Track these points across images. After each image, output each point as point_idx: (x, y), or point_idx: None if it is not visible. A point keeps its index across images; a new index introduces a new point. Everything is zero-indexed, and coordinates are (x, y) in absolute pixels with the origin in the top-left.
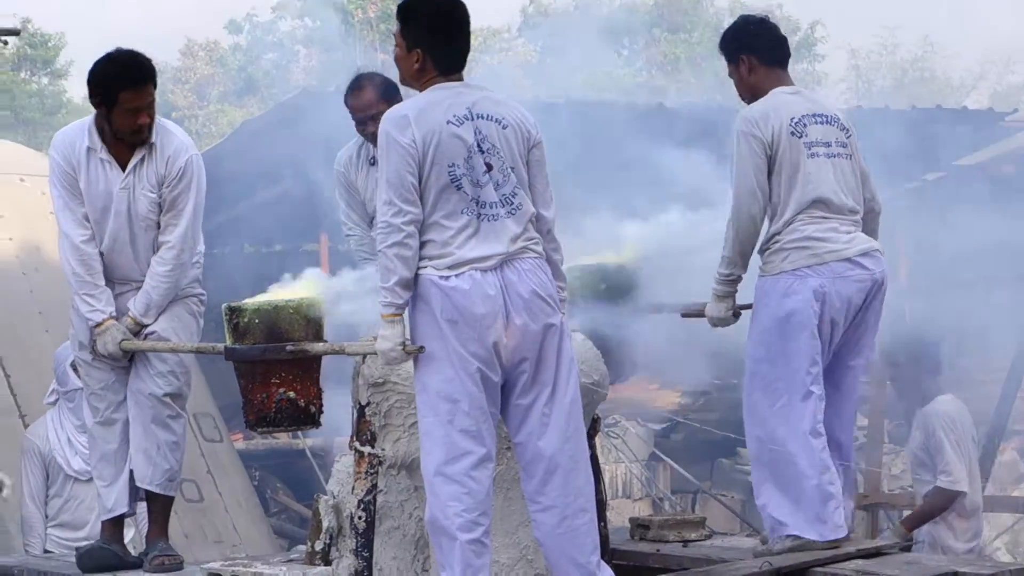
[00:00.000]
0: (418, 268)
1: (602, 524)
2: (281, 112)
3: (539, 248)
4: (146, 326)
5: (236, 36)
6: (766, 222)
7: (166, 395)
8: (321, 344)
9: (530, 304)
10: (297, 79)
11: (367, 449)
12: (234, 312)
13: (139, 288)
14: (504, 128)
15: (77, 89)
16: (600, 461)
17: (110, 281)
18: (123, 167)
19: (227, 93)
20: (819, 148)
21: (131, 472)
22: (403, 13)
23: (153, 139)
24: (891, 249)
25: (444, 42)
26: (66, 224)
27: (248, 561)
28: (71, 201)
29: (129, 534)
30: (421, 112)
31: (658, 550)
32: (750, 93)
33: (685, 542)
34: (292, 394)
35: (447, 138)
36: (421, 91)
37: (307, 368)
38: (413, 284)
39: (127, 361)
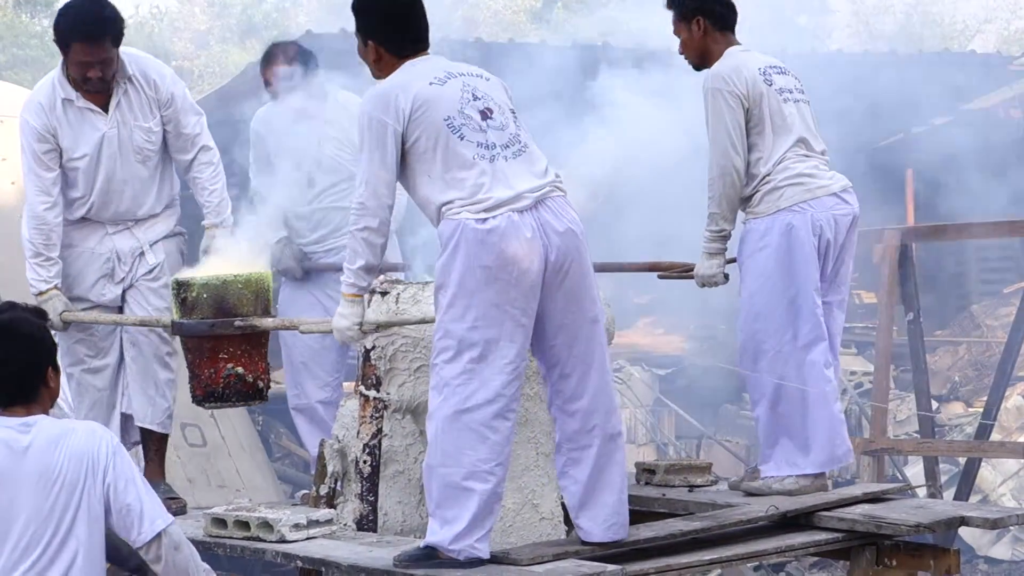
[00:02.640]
0: (451, 214)
1: None
2: None
3: (563, 186)
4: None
5: None
6: (755, 168)
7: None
8: (271, 319)
9: (567, 241)
10: (300, 21)
11: (372, 393)
12: (182, 286)
13: (136, 224)
14: (488, 80)
15: None
16: None
17: (102, 223)
18: (104, 108)
19: (229, 36)
20: (787, 94)
21: (121, 416)
22: (353, 10)
23: (130, 71)
24: (901, 192)
25: (396, 29)
26: (30, 191)
27: (252, 505)
28: (37, 167)
29: None
30: (399, 86)
31: (664, 495)
32: (698, 54)
33: (691, 487)
34: (240, 369)
35: (433, 98)
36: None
37: (255, 343)
38: (376, 270)
39: (119, 305)
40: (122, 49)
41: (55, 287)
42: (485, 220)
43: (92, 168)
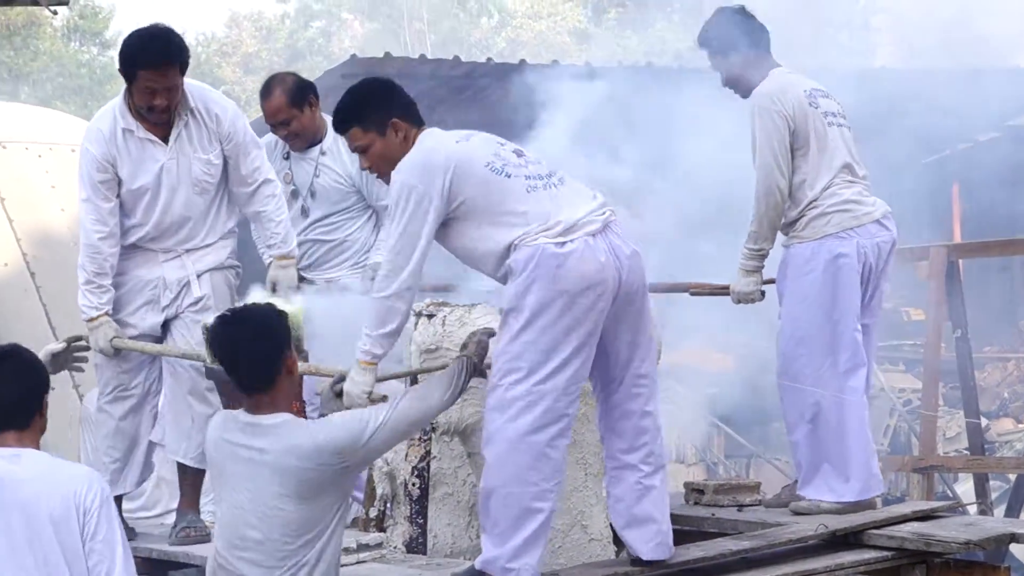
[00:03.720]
0: (527, 242)
1: None
2: (329, 80)
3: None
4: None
5: (284, 4)
6: (800, 191)
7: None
8: (301, 365)
9: (635, 263)
10: (345, 46)
11: None
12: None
13: (187, 253)
14: (502, 145)
15: None
16: None
17: (154, 251)
18: (164, 140)
19: (275, 63)
20: (831, 118)
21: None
22: (355, 111)
23: (192, 104)
24: (947, 209)
25: (408, 102)
26: (87, 220)
27: None
28: (95, 196)
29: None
30: (432, 150)
31: (713, 514)
32: (740, 83)
33: (740, 506)
34: None
35: (466, 152)
36: None
37: None
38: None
39: (158, 334)
40: (186, 81)
41: (106, 313)
42: (563, 244)
43: (150, 198)
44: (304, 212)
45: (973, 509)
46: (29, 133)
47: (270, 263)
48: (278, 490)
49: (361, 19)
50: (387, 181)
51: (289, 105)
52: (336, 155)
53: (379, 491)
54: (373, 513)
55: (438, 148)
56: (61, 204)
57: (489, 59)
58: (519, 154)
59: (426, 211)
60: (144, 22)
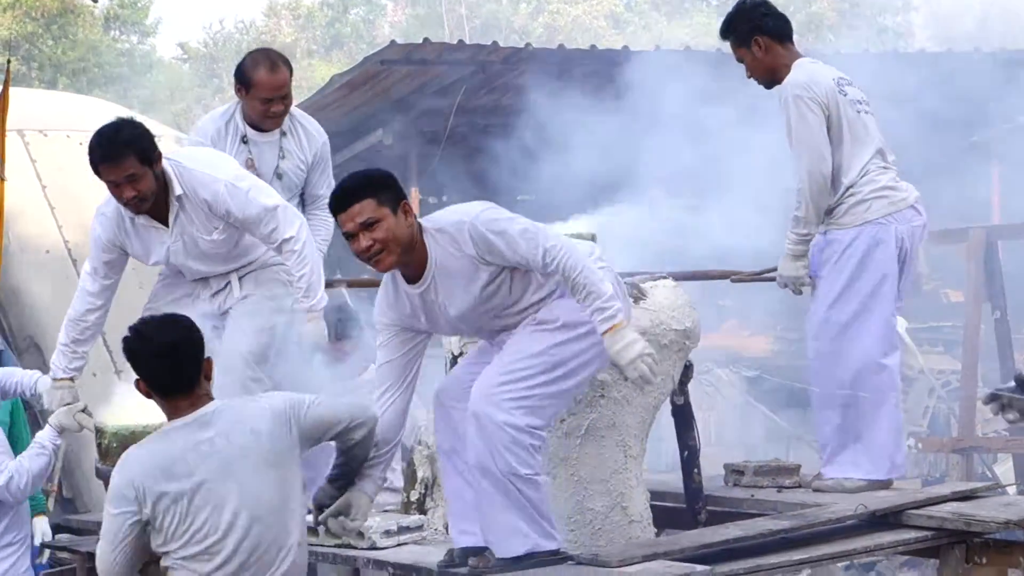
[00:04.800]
0: None
1: (695, 471)
2: (369, 66)
3: None
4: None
5: None
6: (836, 178)
7: (251, 352)
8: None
9: None
10: (385, 33)
11: None
12: (99, 432)
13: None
14: None
15: (165, 48)
16: (693, 408)
17: (182, 285)
18: (165, 222)
19: (314, 51)
20: (859, 105)
21: None
22: (374, 187)
23: (179, 191)
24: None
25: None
26: (85, 288)
27: None
28: (97, 272)
29: None
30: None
31: (753, 496)
32: (767, 72)
33: (780, 488)
34: None
35: None
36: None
37: None
38: None
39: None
40: (176, 159)
41: (70, 379)
42: None
43: (170, 265)
44: None
45: (1012, 490)
46: (70, 121)
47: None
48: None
49: (401, 5)
50: (384, 260)
51: (290, 81)
52: (295, 137)
53: (420, 474)
54: (414, 496)
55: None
56: (102, 191)
57: (528, 44)
58: None
59: None
60: (183, 10)
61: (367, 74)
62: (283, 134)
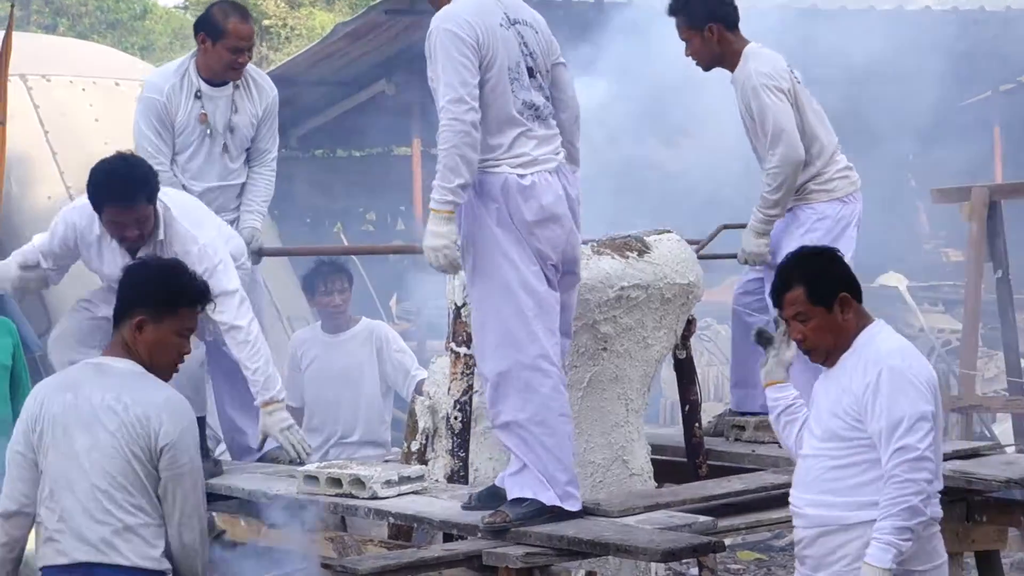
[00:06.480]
0: (489, 167)
1: (696, 426)
2: (372, 16)
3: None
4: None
5: None
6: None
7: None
8: None
9: (575, 209)
10: None
11: (463, 350)
12: None
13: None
14: (537, 33)
15: None
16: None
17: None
18: (131, 253)
19: None
20: (808, 90)
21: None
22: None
23: (161, 236)
24: (989, 149)
25: None
26: (33, 246)
27: (343, 462)
28: (49, 252)
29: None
30: (477, 14)
31: (754, 451)
32: (712, 59)
33: (780, 443)
34: None
35: (502, 41)
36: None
37: None
38: (481, 184)
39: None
40: (167, 203)
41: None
42: (524, 176)
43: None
44: (226, 150)
45: (1011, 450)
46: (73, 66)
47: None
48: None
49: None
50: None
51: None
52: (247, 91)
53: (420, 424)
54: (415, 447)
55: (483, 16)
56: (105, 137)
57: None
58: (531, 74)
59: (469, 57)
60: None
61: (371, 23)
62: (235, 87)
